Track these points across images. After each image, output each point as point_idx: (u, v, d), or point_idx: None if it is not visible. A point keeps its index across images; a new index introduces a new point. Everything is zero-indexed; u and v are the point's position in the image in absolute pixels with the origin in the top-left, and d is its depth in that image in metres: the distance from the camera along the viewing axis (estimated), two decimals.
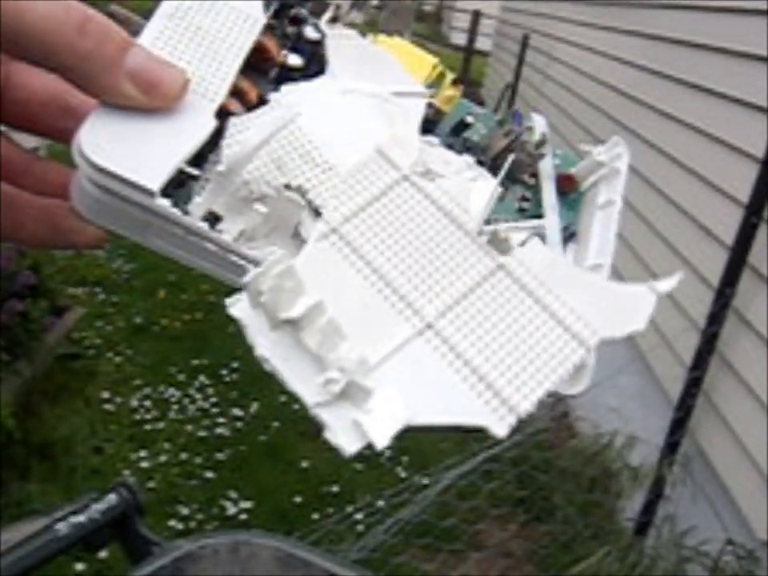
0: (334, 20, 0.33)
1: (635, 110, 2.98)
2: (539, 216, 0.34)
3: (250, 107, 0.29)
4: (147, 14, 0.32)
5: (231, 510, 2.25)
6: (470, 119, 0.34)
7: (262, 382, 2.90)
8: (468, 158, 0.33)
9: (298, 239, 0.28)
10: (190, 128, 0.27)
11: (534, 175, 0.35)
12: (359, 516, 2.16)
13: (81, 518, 0.57)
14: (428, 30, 13.74)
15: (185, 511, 2.21)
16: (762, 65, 2.04)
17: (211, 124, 0.28)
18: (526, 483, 2.39)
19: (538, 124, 0.35)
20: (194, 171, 0.28)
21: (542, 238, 0.33)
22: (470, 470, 2.03)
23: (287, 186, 0.28)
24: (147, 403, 2.69)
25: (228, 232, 0.27)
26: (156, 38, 0.28)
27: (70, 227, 0.31)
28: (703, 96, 2.41)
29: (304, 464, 2.50)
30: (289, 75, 0.31)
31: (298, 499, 2.33)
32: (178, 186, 0.27)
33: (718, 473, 1.95)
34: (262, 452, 2.54)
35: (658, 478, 2.06)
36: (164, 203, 0.26)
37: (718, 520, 1.90)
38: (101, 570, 1.89)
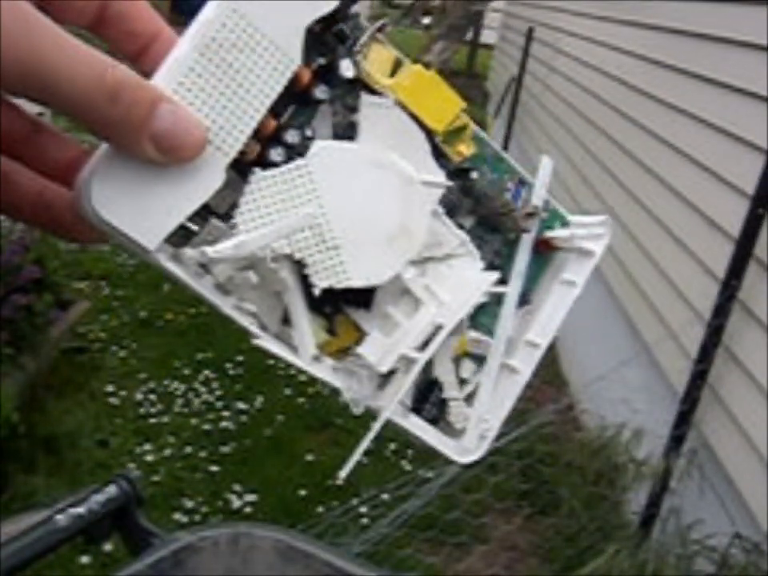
0: (376, 19, 0.33)
1: (640, 102, 2.97)
2: (507, 274, 0.35)
3: (265, 140, 0.29)
4: None
5: (236, 503, 2.25)
6: (474, 175, 0.34)
7: (266, 376, 2.90)
8: (462, 235, 0.34)
9: (279, 297, 0.30)
10: (199, 183, 0.27)
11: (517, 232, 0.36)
12: (364, 509, 2.16)
13: (80, 510, 0.56)
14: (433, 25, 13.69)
15: (189, 504, 2.22)
16: None
17: (221, 179, 0.28)
18: (531, 476, 2.38)
19: (542, 173, 0.35)
20: (194, 227, 0.28)
21: (499, 302, 0.34)
22: (474, 463, 2.03)
23: (287, 257, 0.29)
24: (152, 397, 2.69)
25: (218, 276, 0.29)
26: (185, 76, 0.27)
27: (70, 222, 0.30)
28: (709, 87, 2.39)
29: (309, 457, 2.50)
30: (310, 101, 0.31)
31: (302, 492, 2.34)
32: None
33: (723, 465, 1.94)
34: (266, 445, 2.54)
35: (664, 470, 2.06)
36: (159, 258, 0.27)
37: (724, 513, 1.89)
38: (106, 563, 1.90)
